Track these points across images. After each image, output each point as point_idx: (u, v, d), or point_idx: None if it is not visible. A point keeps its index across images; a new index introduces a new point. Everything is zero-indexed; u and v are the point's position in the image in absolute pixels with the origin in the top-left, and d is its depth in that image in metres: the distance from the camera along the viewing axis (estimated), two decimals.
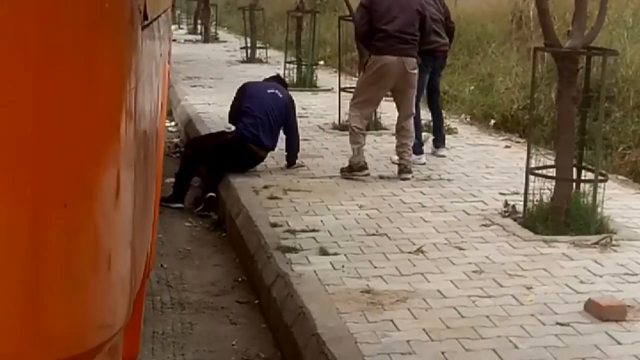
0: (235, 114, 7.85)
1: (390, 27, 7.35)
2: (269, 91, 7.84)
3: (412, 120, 7.68)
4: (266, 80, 8.45)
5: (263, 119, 7.60)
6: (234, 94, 8.11)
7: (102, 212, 1.78)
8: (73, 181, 1.71)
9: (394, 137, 7.83)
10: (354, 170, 7.50)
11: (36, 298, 1.68)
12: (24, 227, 1.65)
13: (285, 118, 7.75)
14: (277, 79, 8.57)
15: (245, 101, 7.77)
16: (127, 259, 1.97)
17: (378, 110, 9.68)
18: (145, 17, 2.37)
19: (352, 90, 9.82)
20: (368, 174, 7.51)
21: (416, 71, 7.53)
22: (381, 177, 7.55)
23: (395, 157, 8.65)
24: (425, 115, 8.76)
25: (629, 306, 4.57)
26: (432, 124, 8.79)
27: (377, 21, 7.39)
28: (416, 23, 7.48)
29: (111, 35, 1.79)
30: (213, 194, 7.28)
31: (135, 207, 2.05)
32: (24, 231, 1.65)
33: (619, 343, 4.17)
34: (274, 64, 15.54)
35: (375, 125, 9.63)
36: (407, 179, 7.46)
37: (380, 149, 8.73)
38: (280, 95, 7.84)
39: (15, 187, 1.63)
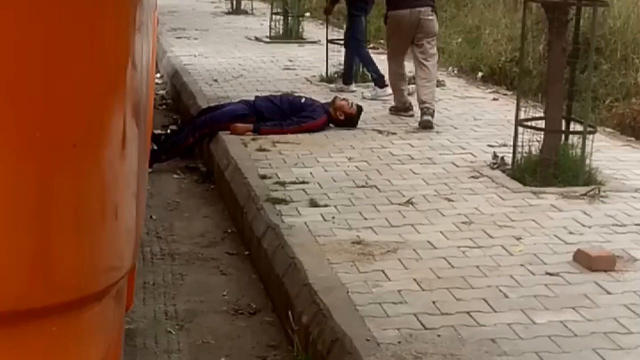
0: None
1: None
2: None
3: (434, 62, 7.87)
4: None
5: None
6: None
7: (110, 152, 1.78)
8: (82, 121, 1.70)
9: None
10: (400, 110, 8.07)
11: (46, 239, 1.68)
12: (34, 165, 1.64)
13: None
14: None
15: None
16: (133, 201, 1.96)
17: None
18: None
19: (339, 41, 9.89)
20: (412, 115, 7.92)
21: (432, 17, 7.78)
22: (371, 130, 7.55)
23: (367, 93, 8.92)
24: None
25: (617, 256, 4.60)
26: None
27: None
28: None
29: None
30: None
31: (140, 151, 2.05)
32: (33, 168, 1.64)
33: (609, 292, 4.21)
34: (259, 15, 15.41)
35: (362, 77, 9.60)
36: (429, 124, 7.55)
37: (366, 101, 8.70)
38: None
39: (25, 124, 1.62)
